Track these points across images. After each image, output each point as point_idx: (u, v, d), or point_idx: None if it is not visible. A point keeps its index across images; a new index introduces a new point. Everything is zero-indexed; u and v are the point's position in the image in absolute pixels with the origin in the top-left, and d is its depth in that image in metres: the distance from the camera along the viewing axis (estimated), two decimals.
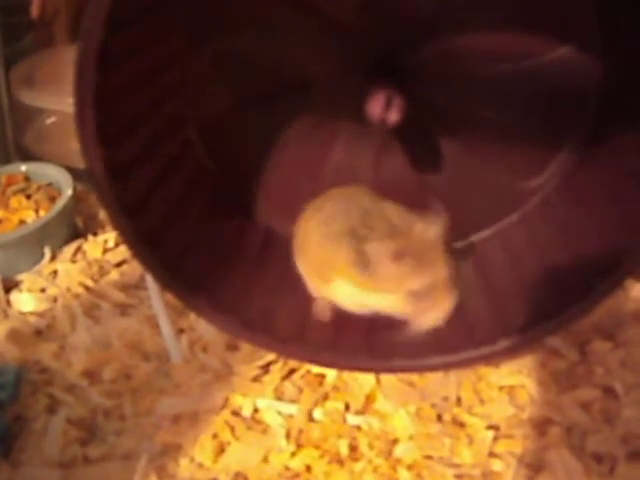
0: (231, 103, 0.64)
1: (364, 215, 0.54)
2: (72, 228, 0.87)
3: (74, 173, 0.87)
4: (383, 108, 0.55)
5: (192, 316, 0.70)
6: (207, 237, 0.64)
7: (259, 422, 0.62)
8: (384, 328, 0.58)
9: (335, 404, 0.62)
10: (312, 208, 0.60)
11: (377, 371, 0.62)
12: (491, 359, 0.60)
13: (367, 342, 0.60)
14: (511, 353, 0.59)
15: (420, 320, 0.54)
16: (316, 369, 0.65)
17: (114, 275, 0.80)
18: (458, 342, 0.58)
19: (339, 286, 0.56)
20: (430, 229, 0.53)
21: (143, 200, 0.57)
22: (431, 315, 0.53)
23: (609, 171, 0.59)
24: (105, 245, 0.84)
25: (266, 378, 0.65)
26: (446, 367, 0.60)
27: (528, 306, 0.58)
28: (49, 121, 1.04)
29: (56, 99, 0.97)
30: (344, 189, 0.60)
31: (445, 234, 0.53)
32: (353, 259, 0.52)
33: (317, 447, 0.58)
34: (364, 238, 0.52)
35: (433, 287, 0.52)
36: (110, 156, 0.52)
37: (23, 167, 0.92)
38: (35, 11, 1.09)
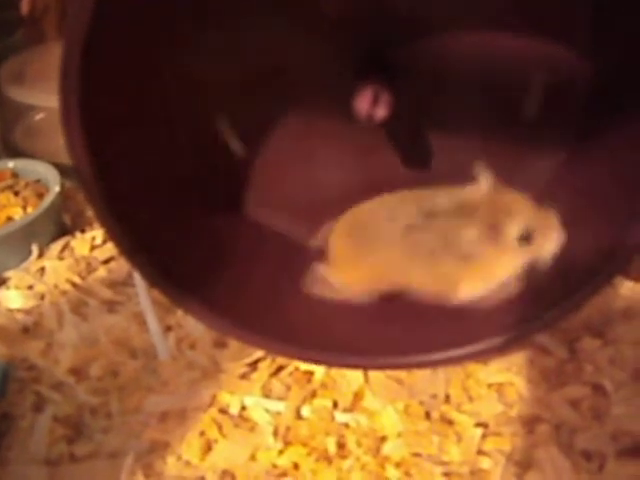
0: (219, 100, 0.63)
1: (427, 226, 0.54)
2: (60, 225, 0.86)
3: (63, 170, 0.87)
4: (370, 104, 0.55)
5: (180, 313, 0.70)
6: (195, 234, 0.63)
7: (247, 420, 0.61)
8: (374, 324, 0.58)
9: (323, 401, 0.61)
10: (360, 249, 0.60)
11: (365, 368, 0.62)
12: (480, 356, 0.60)
13: (356, 339, 0.60)
14: (500, 351, 0.59)
15: (544, 251, 0.53)
16: (304, 366, 0.64)
17: (102, 272, 0.79)
18: (446, 339, 0.57)
19: (467, 290, 0.56)
20: (479, 183, 0.53)
21: (130, 198, 0.56)
22: (548, 245, 0.53)
23: (599, 168, 0.59)
24: (93, 242, 0.84)
25: (254, 375, 0.65)
26: (435, 364, 0.60)
27: (517, 303, 0.57)
28: (38, 117, 1.04)
29: (45, 96, 0.97)
30: (368, 210, 0.60)
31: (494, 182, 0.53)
32: (460, 265, 0.53)
33: (305, 445, 0.58)
34: (449, 244, 0.53)
35: (530, 219, 0.52)
36: (96, 153, 0.51)
37: (11, 164, 0.92)
38: (25, 7, 1.09)
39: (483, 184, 0.53)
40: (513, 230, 0.52)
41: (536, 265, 0.54)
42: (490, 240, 0.52)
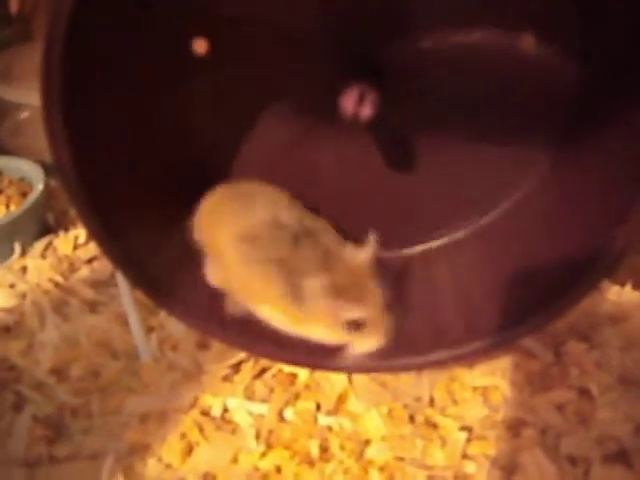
0: (203, 99, 0.63)
1: (294, 241, 0.53)
2: (43, 224, 0.86)
3: (47, 168, 0.86)
4: (356, 103, 0.54)
5: (162, 314, 0.70)
6: (177, 235, 0.62)
7: (229, 422, 0.61)
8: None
9: (306, 404, 0.61)
10: (226, 208, 0.57)
11: (350, 371, 0.61)
12: (465, 360, 0.59)
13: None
14: (485, 354, 0.58)
15: (356, 347, 0.53)
16: (288, 368, 0.64)
17: (84, 272, 0.79)
18: (431, 342, 0.57)
19: (269, 313, 0.54)
20: (360, 253, 0.52)
21: (113, 197, 0.56)
22: (367, 341, 0.52)
23: (585, 173, 0.58)
24: (76, 241, 0.84)
25: (237, 377, 0.64)
26: (419, 368, 0.59)
27: (502, 307, 0.57)
28: (23, 116, 1.03)
29: (31, 94, 0.96)
30: (263, 189, 0.58)
31: (374, 256, 0.52)
32: (286, 293, 0.51)
33: (287, 448, 0.58)
34: (296, 271, 0.51)
35: (368, 315, 0.51)
36: (78, 153, 0.51)
37: None
38: (14, 6, 1.08)
39: (364, 255, 0.52)
40: (352, 313, 0.51)
41: (346, 349, 0.54)
42: (325, 302, 0.50)
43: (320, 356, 0.58)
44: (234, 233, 0.55)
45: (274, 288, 0.52)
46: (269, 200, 0.56)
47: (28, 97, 0.98)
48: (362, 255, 0.52)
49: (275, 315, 0.54)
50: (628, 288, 0.70)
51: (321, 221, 0.55)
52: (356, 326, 0.51)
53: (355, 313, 0.51)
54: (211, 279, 0.59)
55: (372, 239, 0.53)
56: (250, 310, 0.56)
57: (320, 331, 0.53)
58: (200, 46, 0.56)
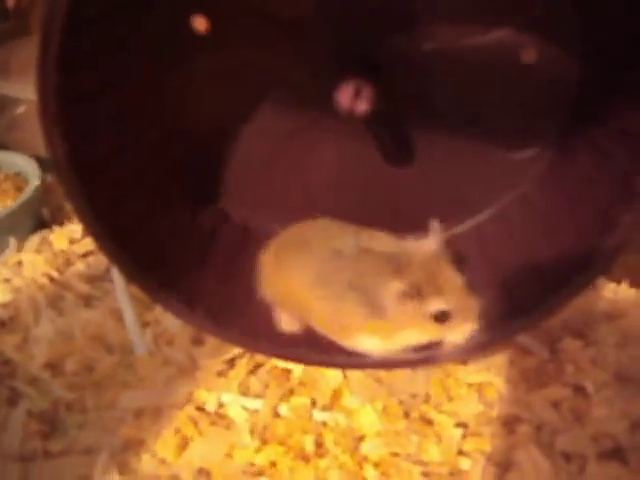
0: (199, 94, 0.62)
1: (356, 261, 0.51)
2: (38, 218, 0.86)
3: (43, 163, 0.86)
4: (352, 98, 0.54)
5: (158, 309, 0.70)
6: (174, 231, 0.62)
7: (223, 417, 0.61)
8: None
9: (301, 399, 0.61)
10: (285, 261, 0.57)
11: (345, 367, 0.61)
12: (460, 356, 0.59)
13: None
14: (481, 350, 0.58)
15: (452, 337, 0.51)
16: (283, 364, 0.64)
17: (79, 266, 0.79)
18: None
19: (363, 341, 0.53)
20: (423, 244, 0.51)
21: (109, 191, 0.55)
22: (461, 329, 0.50)
23: (581, 171, 0.59)
24: (71, 236, 0.84)
25: (231, 373, 0.64)
26: (415, 364, 0.59)
27: (499, 303, 0.57)
28: (19, 110, 1.03)
29: (28, 88, 0.96)
30: (312, 228, 0.57)
31: (441, 243, 0.51)
32: (368, 313, 0.50)
33: (282, 443, 0.58)
34: (368, 286, 0.50)
35: (452, 303, 0.49)
36: (74, 148, 0.51)
37: None
38: (11, 0, 1.08)
39: (429, 245, 0.51)
40: (434, 306, 0.49)
41: (440, 344, 0.53)
42: (408, 303, 0.49)
43: (314, 352, 0.58)
44: (304, 278, 0.54)
45: (359, 313, 0.51)
46: (320, 235, 0.56)
47: (25, 92, 0.98)
48: (426, 245, 0.51)
49: (370, 341, 0.53)
50: (624, 285, 0.70)
51: (370, 230, 0.54)
52: (444, 317, 0.50)
53: (438, 305, 0.49)
54: (289, 327, 0.59)
55: (435, 225, 0.51)
56: (338, 341, 0.55)
57: (413, 335, 0.51)
58: (200, 24, 0.56)
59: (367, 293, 0.50)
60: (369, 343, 0.53)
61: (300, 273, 0.54)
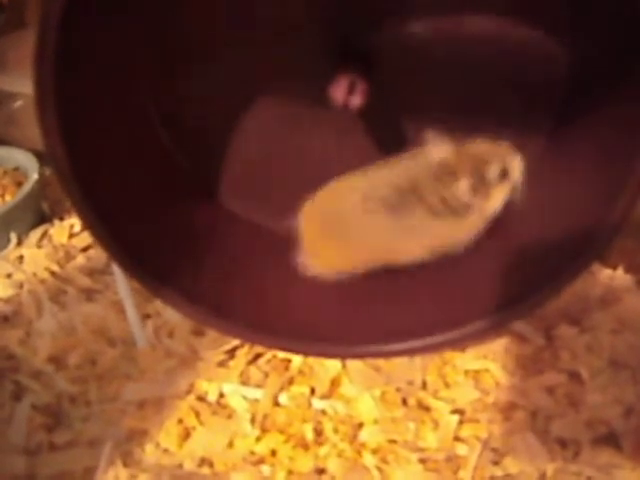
0: (194, 89, 0.63)
1: (402, 197, 0.55)
2: (38, 213, 0.86)
3: (42, 157, 0.87)
4: (346, 92, 0.54)
5: (158, 301, 0.69)
6: (172, 224, 0.63)
7: (224, 407, 0.61)
8: (351, 313, 0.58)
9: (300, 388, 0.62)
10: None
11: (344, 357, 0.62)
12: (457, 343, 0.60)
13: (333, 328, 0.59)
14: (478, 337, 0.59)
15: (516, 182, 0.55)
16: (282, 354, 0.65)
17: (80, 260, 0.79)
18: (424, 326, 0.57)
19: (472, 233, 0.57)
20: (438, 145, 0.55)
21: (107, 186, 0.56)
22: (517, 172, 0.55)
23: (578, 154, 0.59)
24: (71, 230, 0.84)
25: (232, 363, 0.65)
26: (413, 352, 0.60)
27: (495, 289, 0.57)
28: (17, 105, 1.03)
29: (25, 82, 0.96)
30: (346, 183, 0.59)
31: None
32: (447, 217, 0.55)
33: (282, 432, 0.58)
34: (437, 195, 0.54)
35: (503, 159, 0.54)
36: (71, 143, 0.51)
37: None
38: None
39: (443, 144, 0.55)
40: (494, 172, 0.54)
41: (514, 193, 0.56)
42: (479, 186, 0.54)
43: (314, 342, 0.59)
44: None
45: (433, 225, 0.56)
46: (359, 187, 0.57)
47: (22, 86, 0.98)
48: (445, 146, 0.55)
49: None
50: (619, 271, 0.70)
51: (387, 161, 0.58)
52: (504, 174, 0.54)
53: (495, 168, 0.54)
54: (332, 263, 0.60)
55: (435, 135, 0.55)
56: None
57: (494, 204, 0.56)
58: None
59: (444, 210, 0.55)
60: (474, 231, 0.57)
61: (369, 236, 0.57)
